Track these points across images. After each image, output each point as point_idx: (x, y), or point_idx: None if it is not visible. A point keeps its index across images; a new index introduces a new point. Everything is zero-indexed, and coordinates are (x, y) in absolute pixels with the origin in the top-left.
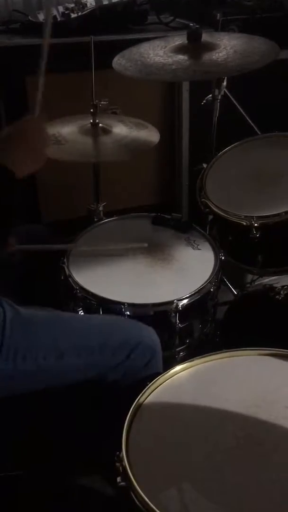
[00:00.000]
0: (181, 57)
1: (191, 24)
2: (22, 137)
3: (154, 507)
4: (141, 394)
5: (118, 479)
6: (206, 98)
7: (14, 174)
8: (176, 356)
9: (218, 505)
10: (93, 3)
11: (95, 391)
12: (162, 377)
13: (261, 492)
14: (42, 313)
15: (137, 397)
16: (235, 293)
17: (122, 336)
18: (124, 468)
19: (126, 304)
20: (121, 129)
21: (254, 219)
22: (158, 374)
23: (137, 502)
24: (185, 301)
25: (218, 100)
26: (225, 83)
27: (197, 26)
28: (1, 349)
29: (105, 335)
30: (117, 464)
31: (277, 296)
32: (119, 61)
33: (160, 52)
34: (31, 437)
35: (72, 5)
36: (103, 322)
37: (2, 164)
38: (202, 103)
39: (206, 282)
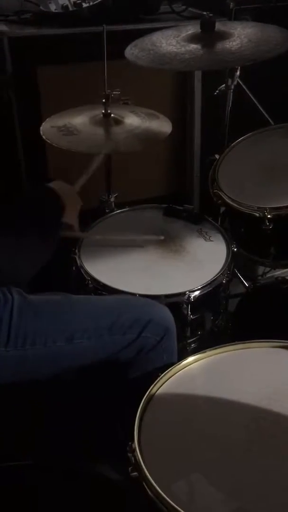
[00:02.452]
0: (194, 46)
1: (205, 13)
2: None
3: (166, 498)
4: (153, 385)
5: (130, 469)
6: (219, 88)
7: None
8: (188, 348)
9: (229, 496)
10: None
11: (108, 372)
12: (174, 368)
13: (273, 484)
14: (50, 297)
15: (149, 385)
16: (247, 285)
17: (132, 314)
18: (136, 458)
19: (137, 295)
20: (133, 120)
21: (267, 210)
22: (172, 351)
23: (149, 493)
24: (197, 293)
25: (231, 90)
26: (238, 72)
27: (210, 14)
28: (9, 336)
29: (115, 315)
30: (129, 454)
31: None
32: (131, 51)
33: (172, 42)
34: (42, 423)
35: None
36: (113, 302)
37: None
38: (215, 93)
39: (218, 274)
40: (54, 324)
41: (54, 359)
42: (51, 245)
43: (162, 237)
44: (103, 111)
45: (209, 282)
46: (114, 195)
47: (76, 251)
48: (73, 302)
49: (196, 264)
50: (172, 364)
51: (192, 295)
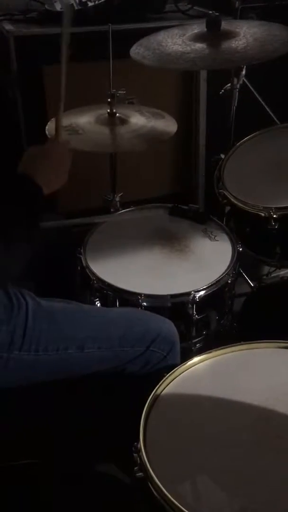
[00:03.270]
0: (199, 45)
1: (210, 12)
2: (46, 159)
3: (171, 498)
4: (158, 385)
5: (135, 469)
6: (224, 88)
7: (41, 189)
8: (193, 348)
9: (235, 497)
10: None
11: (113, 383)
12: (180, 368)
13: (279, 484)
14: (63, 305)
15: (154, 388)
16: (252, 285)
17: (142, 328)
18: (142, 459)
19: (143, 295)
20: (138, 119)
21: (273, 210)
22: (176, 365)
23: (155, 493)
24: (202, 293)
25: (237, 90)
26: (244, 72)
27: (216, 13)
28: (24, 340)
29: (125, 327)
30: (135, 455)
31: None
32: (137, 50)
33: (178, 41)
34: (49, 426)
35: None
36: (123, 314)
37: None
38: (221, 93)
39: (223, 273)
40: (67, 332)
41: (65, 366)
42: (34, 234)
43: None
44: (109, 110)
45: (214, 282)
46: (119, 195)
47: (81, 250)
48: (85, 312)
49: (202, 264)
50: (177, 365)
51: (198, 295)
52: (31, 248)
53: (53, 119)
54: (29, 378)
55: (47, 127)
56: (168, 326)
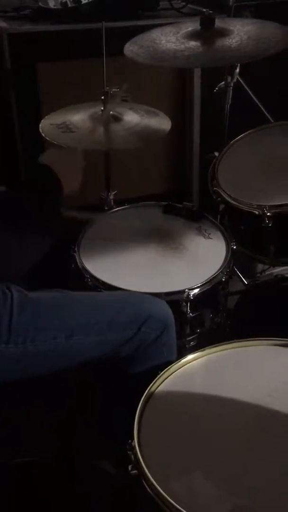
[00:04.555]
0: (193, 43)
1: (204, 10)
2: (62, 163)
3: (165, 495)
4: (152, 383)
5: (129, 467)
6: (218, 86)
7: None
8: (187, 346)
9: (228, 494)
10: None
11: (109, 368)
12: (174, 366)
13: (272, 481)
14: (50, 294)
15: (149, 383)
16: (246, 283)
17: (132, 310)
18: (136, 456)
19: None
20: (132, 117)
21: (267, 208)
22: (171, 347)
23: (149, 490)
24: (196, 291)
25: (231, 87)
26: (238, 70)
27: (210, 11)
28: (10, 333)
29: (114, 311)
30: (129, 452)
31: None
32: (130, 48)
33: (172, 38)
34: (42, 419)
35: None
36: (112, 298)
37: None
38: (215, 91)
39: (217, 271)
40: (53, 321)
41: (54, 356)
42: (51, 231)
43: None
44: (102, 108)
45: (208, 279)
46: (113, 193)
47: (76, 248)
48: (72, 299)
49: (196, 261)
50: (171, 361)
51: (192, 293)
52: (47, 242)
53: (47, 117)
54: (19, 371)
55: (40, 125)
56: (160, 306)
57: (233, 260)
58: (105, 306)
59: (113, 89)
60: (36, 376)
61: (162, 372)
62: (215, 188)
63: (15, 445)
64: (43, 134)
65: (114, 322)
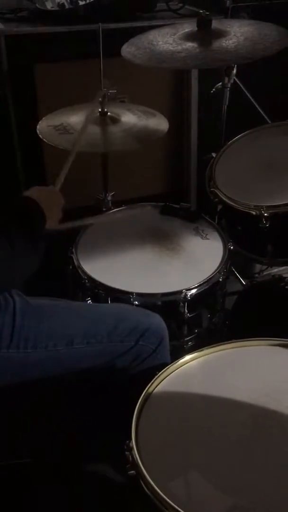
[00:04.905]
0: (190, 44)
1: (201, 11)
2: (47, 194)
3: (163, 495)
4: (150, 384)
5: (127, 467)
6: (215, 86)
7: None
8: (185, 346)
9: (226, 494)
10: None
11: (104, 378)
12: (171, 366)
13: (270, 481)
14: (51, 302)
15: (146, 385)
16: (244, 283)
17: (130, 323)
18: (134, 457)
19: (134, 294)
20: (129, 118)
21: (264, 208)
22: (165, 360)
23: (147, 491)
24: (193, 291)
25: (228, 88)
26: (235, 71)
27: (207, 13)
28: (12, 338)
29: (114, 322)
30: (127, 453)
31: (286, 286)
32: (128, 49)
33: (169, 40)
34: (42, 424)
35: None
36: (112, 310)
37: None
38: (212, 91)
39: (215, 272)
40: (55, 329)
41: (54, 362)
42: (41, 249)
43: (149, 207)
44: (100, 109)
45: (206, 280)
46: (111, 194)
47: (73, 250)
48: (74, 308)
49: (193, 262)
50: (167, 362)
51: (189, 293)
52: (38, 258)
53: (44, 118)
54: (19, 376)
55: (38, 126)
56: (157, 321)
57: (230, 260)
58: (105, 317)
59: (110, 90)
60: (35, 381)
61: (159, 373)
62: (212, 189)
63: (14, 447)
64: (40, 136)
65: (114, 333)
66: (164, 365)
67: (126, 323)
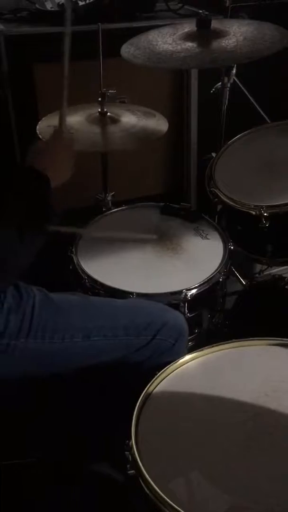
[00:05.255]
0: (190, 44)
1: (200, 11)
2: (52, 152)
3: (163, 495)
4: (150, 384)
5: (127, 467)
6: (215, 86)
7: (49, 182)
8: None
9: (227, 493)
10: None
11: (121, 372)
12: (171, 366)
13: (270, 481)
14: (70, 296)
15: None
16: (244, 283)
17: (147, 318)
18: (133, 456)
19: (134, 294)
20: (129, 118)
21: (264, 208)
22: (182, 355)
23: (146, 490)
24: (194, 291)
25: (228, 88)
26: (234, 70)
27: (206, 13)
28: (30, 328)
29: (131, 316)
30: (126, 452)
31: (286, 286)
32: (127, 49)
33: (168, 40)
34: (48, 421)
35: None
36: (129, 304)
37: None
38: (211, 91)
39: (215, 272)
40: (72, 321)
41: (70, 354)
42: (44, 228)
43: (155, 237)
44: (99, 109)
45: (206, 280)
46: (111, 194)
47: (73, 249)
48: (90, 302)
49: (193, 262)
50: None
51: (189, 293)
52: (43, 242)
53: (44, 119)
54: (35, 366)
55: (38, 126)
56: (175, 316)
57: (230, 260)
58: (122, 311)
59: (110, 91)
60: (50, 372)
61: (160, 373)
62: (212, 189)
63: (21, 445)
64: (40, 136)
65: (131, 327)
66: (165, 363)
67: (143, 318)
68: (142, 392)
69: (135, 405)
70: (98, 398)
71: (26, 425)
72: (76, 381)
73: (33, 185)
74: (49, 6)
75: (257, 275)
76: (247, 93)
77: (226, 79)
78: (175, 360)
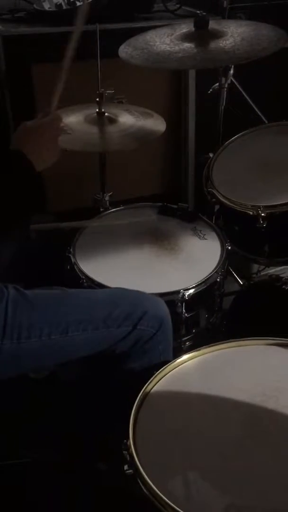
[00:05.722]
0: (187, 45)
1: (198, 12)
2: (37, 134)
3: (161, 494)
4: (148, 383)
5: (125, 466)
6: (212, 87)
7: (34, 166)
8: (183, 346)
9: (225, 493)
10: None
11: (104, 365)
12: (169, 366)
13: (268, 480)
14: (46, 291)
15: (147, 375)
16: (241, 283)
17: (127, 307)
18: (131, 455)
19: None
20: (127, 118)
21: (261, 208)
22: (167, 344)
23: (144, 490)
24: (191, 291)
25: (225, 89)
26: (232, 71)
27: (204, 13)
28: (5, 329)
29: (110, 307)
30: (124, 452)
31: (284, 286)
32: (125, 50)
33: (166, 40)
34: (39, 421)
35: None
36: (107, 294)
37: (23, 154)
38: (209, 92)
39: (212, 272)
40: (48, 317)
41: (50, 352)
42: (26, 215)
43: (154, 217)
44: (97, 109)
45: (203, 280)
46: (109, 194)
47: (71, 249)
48: (68, 295)
49: (191, 262)
50: (167, 360)
51: (187, 294)
52: (22, 237)
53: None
54: (14, 370)
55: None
56: (157, 303)
57: (228, 260)
58: (100, 303)
59: (108, 91)
60: (33, 372)
61: (157, 372)
62: (209, 189)
63: (13, 446)
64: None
65: (110, 319)
66: (165, 349)
67: (122, 308)
68: (139, 392)
69: (133, 405)
70: (87, 393)
71: (18, 426)
72: (61, 378)
73: (16, 169)
74: (47, 6)
75: (254, 275)
76: (244, 94)
77: (223, 80)
78: (158, 349)
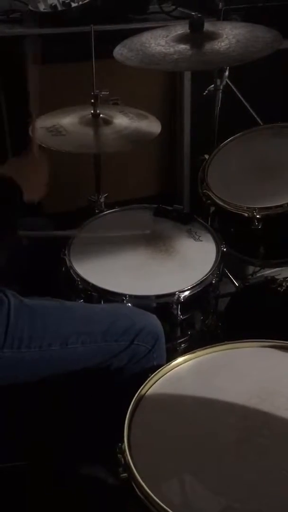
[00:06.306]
0: (183, 46)
1: (193, 13)
2: (23, 173)
3: (155, 498)
4: (142, 386)
5: (120, 470)
6: (208, 88)
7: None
8: (178, 348)
9: (219, 496)
10: None
11: (100, 379)
12: (164, 369)
13: (262, 483)
14: (46, 302)
15: (139, 387)
16: (237, 285)
17: (125, 323)
18: (126, 459)
19: (127, 296)
20: (122, 120)
21: (256, 210)
22: (161, 359)
23: (139, 493)
24: (186, 293)
25: (220, 90)
26: (227, 73)
27: (199, 15)
28: (6, 338)
29: (108, 322)
30: (119, 455)
31: (279, 288)
32: (120, 51)
33: (161, 42)
34: (35, 426)
35: None
36: (106, 309)
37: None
38: (204, 93)
39: (208, 273)
40: (49, 328)
41: (49, 363)
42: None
43: (148, 231)
44: (92, 111)
45: (198, 282)
46: (104, 195)
47: (66, 251)
48: (68, 308)
49: (186, 264)
50: (162, 363)
51: (182, 295)
52: (10, 242)
53: (37, 120)
54: (13, 378)
55: (30, 128)
56: (152, 320)
57: (223, 262)
58: (99, 317)
59: (103, 92)
60: (30, 382)
61: (152, 375)
62: (205, 191)
63: (9, 450)
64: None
65: (109, 333)
66: (159, 365)
67: (121, 323)
68: (134, 395)
69: (126, 407)
70: (83, 403)
71: (13, 432)
72: (58, 386)
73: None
74: (41, 7)
75: (249, 276)
76: (239, 95)
77: (218, 81)
78: (154, 364)
